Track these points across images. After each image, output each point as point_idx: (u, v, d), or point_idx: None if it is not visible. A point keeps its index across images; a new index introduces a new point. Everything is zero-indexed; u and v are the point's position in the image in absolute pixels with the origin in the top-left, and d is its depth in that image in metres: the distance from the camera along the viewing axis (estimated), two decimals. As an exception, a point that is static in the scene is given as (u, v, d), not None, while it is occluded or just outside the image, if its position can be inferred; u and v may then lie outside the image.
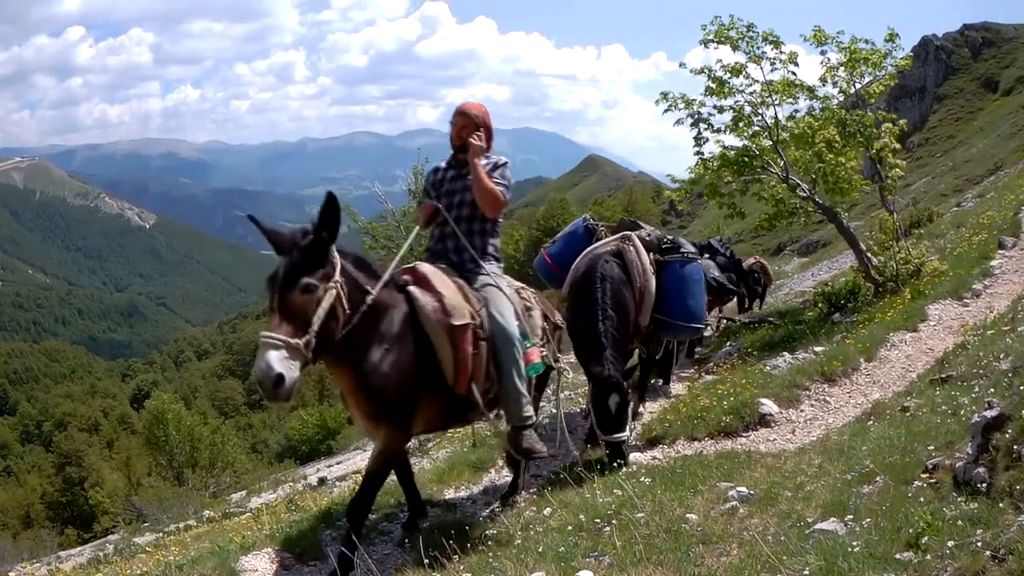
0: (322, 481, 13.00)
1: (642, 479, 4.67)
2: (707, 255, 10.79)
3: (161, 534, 8.52)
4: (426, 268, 4.16)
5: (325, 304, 3.39)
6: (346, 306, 3.52)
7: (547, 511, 4.37)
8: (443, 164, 4.66)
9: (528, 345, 4.37)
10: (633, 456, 5.72)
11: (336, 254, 3.55)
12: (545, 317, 4.88)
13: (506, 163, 4.53)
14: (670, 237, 6.96)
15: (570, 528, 3.82)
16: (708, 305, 9.67)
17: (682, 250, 6.75)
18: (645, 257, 6.39)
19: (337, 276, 3.49)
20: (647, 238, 6.65)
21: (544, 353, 4.65)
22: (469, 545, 3.90)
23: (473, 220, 4.45)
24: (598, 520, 3.85)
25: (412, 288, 4.00)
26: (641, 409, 7.23)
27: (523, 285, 4.86)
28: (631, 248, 6.39)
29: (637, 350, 7.19)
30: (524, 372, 4.24)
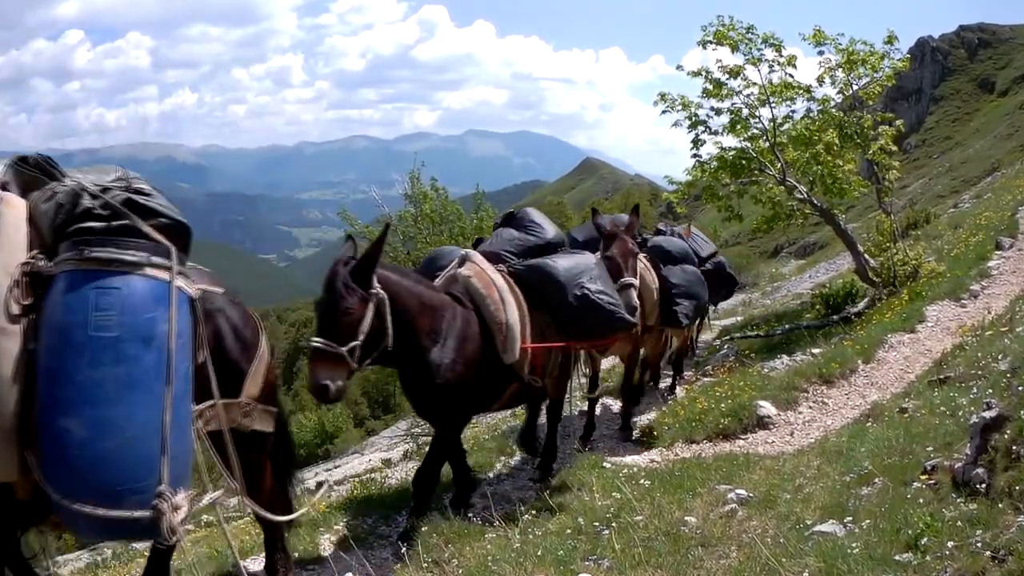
0: (320, 485, 12.94)
1: (641, 482, 4.66)
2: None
3: (159, 539, 8.50)
4: None
5: None
6: None
7: (546, 515, 4.35)
8: None
9: None
10: (631, 459, 5.72)
11: None
12: None
13: None
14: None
15: (569, 531, 3.81)
16: (597, 345, 5.63)
17: (104, 250, 2.49)
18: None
19: None
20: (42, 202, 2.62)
21: None
22: (468, 549, 3.89)
23: None
24: (597, 523, 3.83)
25: None
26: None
27: None
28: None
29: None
30: None
